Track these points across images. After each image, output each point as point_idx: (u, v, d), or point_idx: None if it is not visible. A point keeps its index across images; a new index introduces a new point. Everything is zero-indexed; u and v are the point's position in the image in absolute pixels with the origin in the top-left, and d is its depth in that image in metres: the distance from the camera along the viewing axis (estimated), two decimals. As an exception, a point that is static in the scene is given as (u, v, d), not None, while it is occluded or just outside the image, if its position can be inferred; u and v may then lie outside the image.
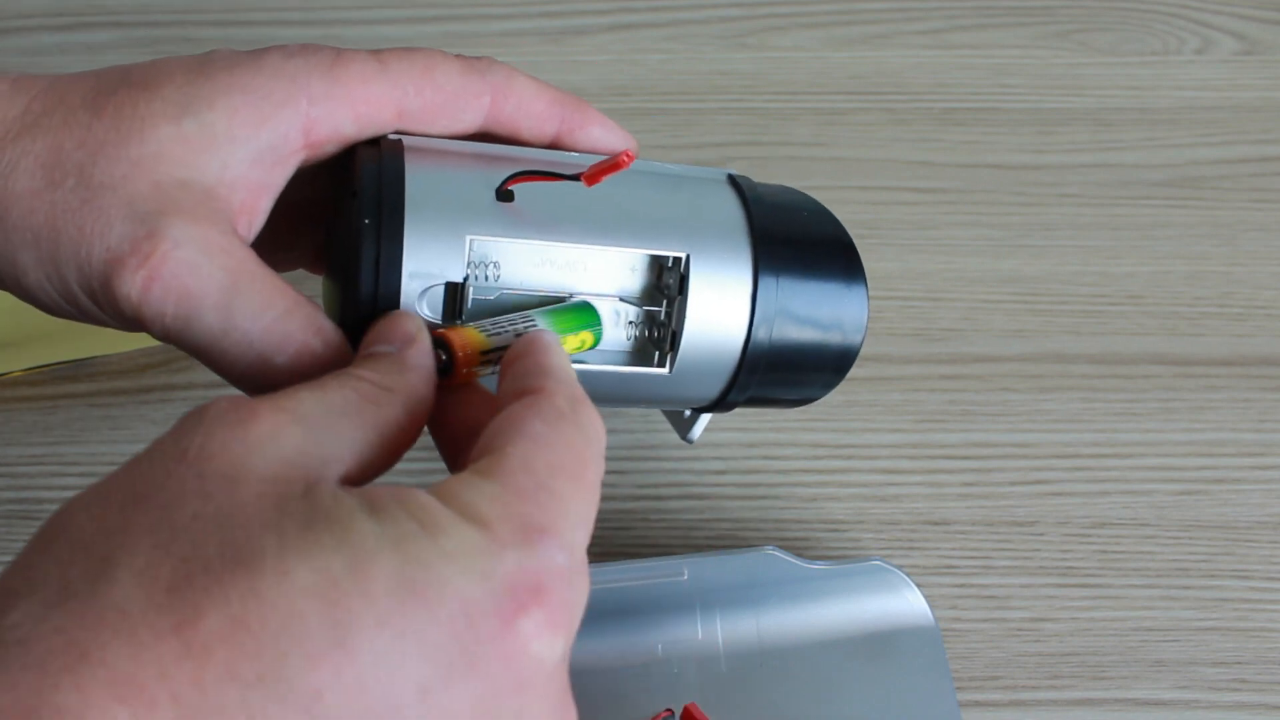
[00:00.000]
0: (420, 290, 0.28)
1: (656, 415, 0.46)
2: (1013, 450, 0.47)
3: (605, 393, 0.32)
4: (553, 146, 0.33)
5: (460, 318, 0.29)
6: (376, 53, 0.30)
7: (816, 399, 0.36)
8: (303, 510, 0.21)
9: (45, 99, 0.28)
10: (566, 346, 0.31)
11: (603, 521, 0.44)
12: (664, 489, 0.45)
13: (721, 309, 0.31)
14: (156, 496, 0.21)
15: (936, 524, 0.45)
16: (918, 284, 0.51)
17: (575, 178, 0.29)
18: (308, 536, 0.20)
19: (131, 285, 0.26)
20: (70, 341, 0.48)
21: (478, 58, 0.31)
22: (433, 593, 0.20)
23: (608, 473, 0.45)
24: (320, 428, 0.24)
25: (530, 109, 0.32)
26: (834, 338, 0.33)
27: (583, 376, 0.30)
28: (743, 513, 0.45)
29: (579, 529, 0.24)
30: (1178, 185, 0.54)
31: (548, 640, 0.21)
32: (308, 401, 0.24)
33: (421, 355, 0.27)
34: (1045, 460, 0.46)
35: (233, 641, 0.19)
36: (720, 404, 0.34)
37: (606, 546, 0.43)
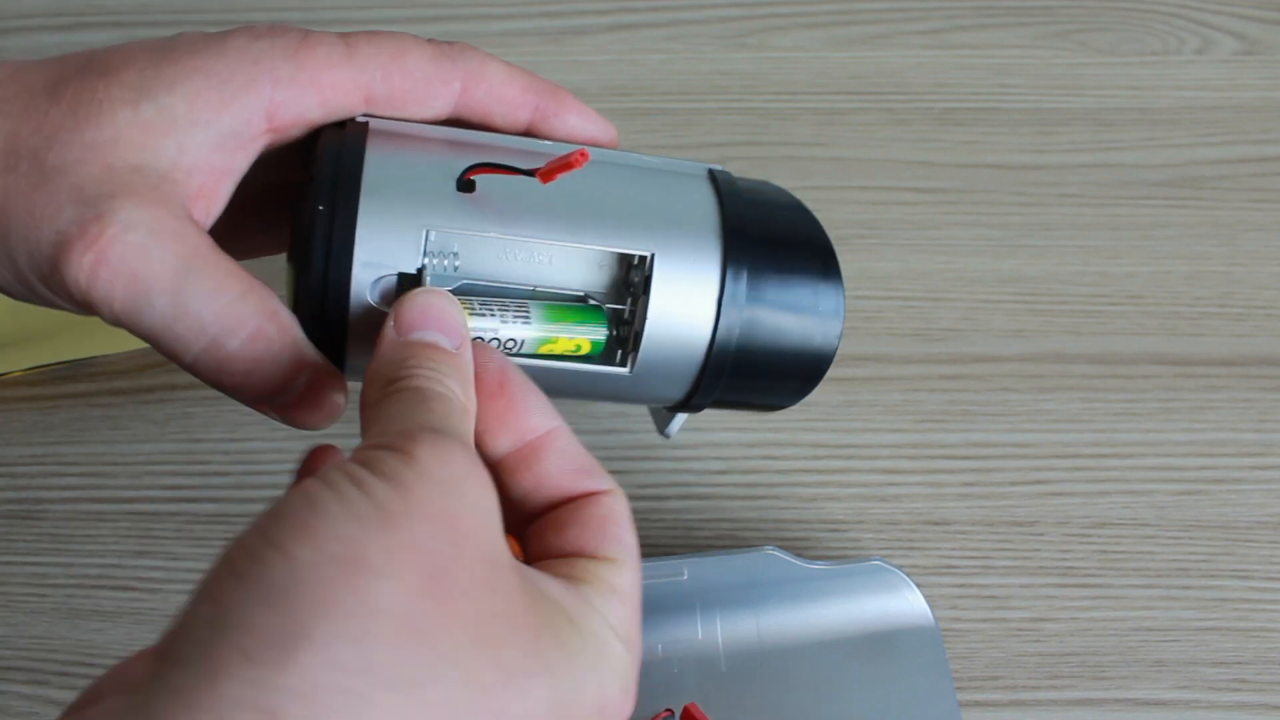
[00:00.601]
0: (373, 279, 0.28)
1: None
2: (1013, 450, 0.47)
3: (566, 387, 0.31)
4: (527, 134, 0.32)
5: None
6: (344, 36, 0.29)
7: (787, 406, 0.34)
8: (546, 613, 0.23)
9: (6, 85, 0.27)
10: (558, 347, 0.30)
11: (603, 521, 0.44)
12: (664, 489, 0.45)
13: (685, 311, 0.30)
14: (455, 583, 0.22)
15: (936, 524, 0.45)
16: (918, 284, 0.51)
17: (530, 173, 0.28)
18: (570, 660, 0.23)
19: (79, 269, 0.26)
20: (70, 341, 0.48)
21: (450, 43, 0.31)
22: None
23: (609, 473, 0.45)
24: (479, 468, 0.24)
25: (503, 95, 0.31)
26: (806, 345, 0.32)
27: (541, 371, 0.30)
28: (743, 513, 0.45)
29: None
30: (1178, 185, 0.54)
31: None
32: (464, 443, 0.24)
33: (469, 358, 0.26)
34: (1045, 460, 0.46)
35: None
36: (686, 405, 0.33)
37: (606, 546, 0.43)
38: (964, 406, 0.48)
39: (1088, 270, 0.52)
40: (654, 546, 0.44)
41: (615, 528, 0.26)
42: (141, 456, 0.45)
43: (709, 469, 0.46)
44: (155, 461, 0.45)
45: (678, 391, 0.32)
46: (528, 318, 0.30)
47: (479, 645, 0.21)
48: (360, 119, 0.29)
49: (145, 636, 0.42)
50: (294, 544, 0.20)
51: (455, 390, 0.25)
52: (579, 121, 0.32)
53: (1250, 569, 0.44)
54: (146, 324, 0.27)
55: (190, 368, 0.28)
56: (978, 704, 0.41)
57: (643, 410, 0.47)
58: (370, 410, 0.24)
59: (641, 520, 0.44)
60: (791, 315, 0.31)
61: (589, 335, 0.30)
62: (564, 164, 0.27)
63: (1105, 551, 0.44)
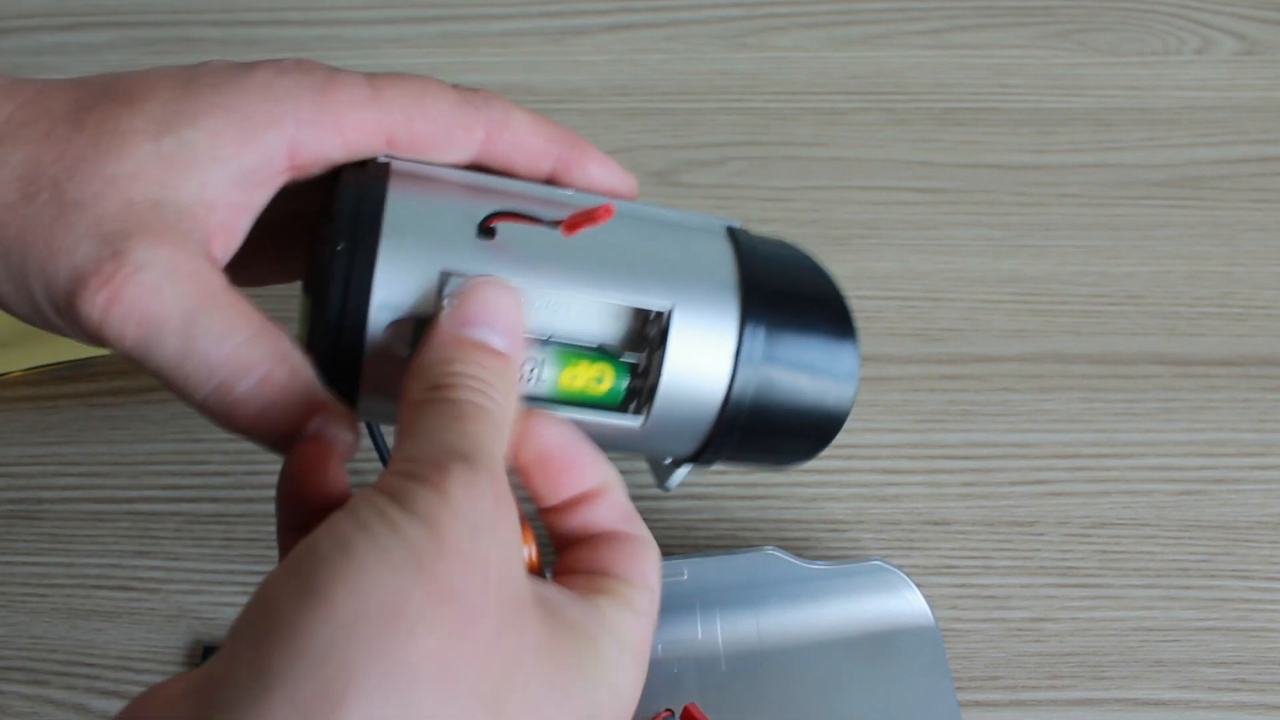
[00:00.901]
0: (388, 321, 0.27)
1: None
2: (1013, 450, 0.47)
3: None
4: (549, 182, 0.32)
5: None
6: (370, 77, 0.29)
7: (797, 465, 0.34)
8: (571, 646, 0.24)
9: (30, 108, 0.27)
10: (579, 378, 0.30)
11: (603, 521, 0.44)
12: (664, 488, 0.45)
13: (701, 366, 0.30)
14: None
15: (936, 524, 0.45)
16: (918, 284, 0.51)
17: (555, 225, 0.28)
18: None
19: (93, 306, 0.26)
20: (70, 342, 0.47)
21: (475, 89, 0.31)
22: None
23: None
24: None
25: (527, 145, 0.31)
26: (820, 405, 0.32)
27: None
28: (743, 513, 0.45)
29: None
30: (1178, 185, 0.54)
31: None
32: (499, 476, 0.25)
33: (520, 360, 0.27)
34: (1045, 460, 0.46)
35: None
36: (695, 460, 0.33)
37: (606, 546, 0.43)
38: (964, 406, 0.48)
39: (1088, 270, 0.52)
40: (654, 546, 0.44)
41: (643, 563, 0.27)
42: (141, 456, 0.45)
43: (709, 469, 0.46)
44: (155, 461, 0.45)
45: (689, 447, 0.32)
46: (545, 359, 0.30)
47: (508, 686, 0.21)
48: (382, 159, 0.29)
49: (145, 636, 0.42)
50: (334, 597, 0.20)
51: (498, 402, 0.25)
52: (600, 172, 0.32)
53: (1250, 569, 0.44)
54: (156, 363, 0.27)
55: (200, 409, 0.28)
56: (978, 704, 0.41)
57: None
58: (409, 412, 0.25)
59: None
60: (806, 375, 0.31)
61: (611, 369, 0.30)
62: (588, 217, 0.27)
63: (1105, 551, 0.44)
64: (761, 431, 0.31)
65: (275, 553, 0.44)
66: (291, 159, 0.28)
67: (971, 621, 0.43)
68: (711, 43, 0.59)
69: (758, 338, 0.30)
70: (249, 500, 0.45)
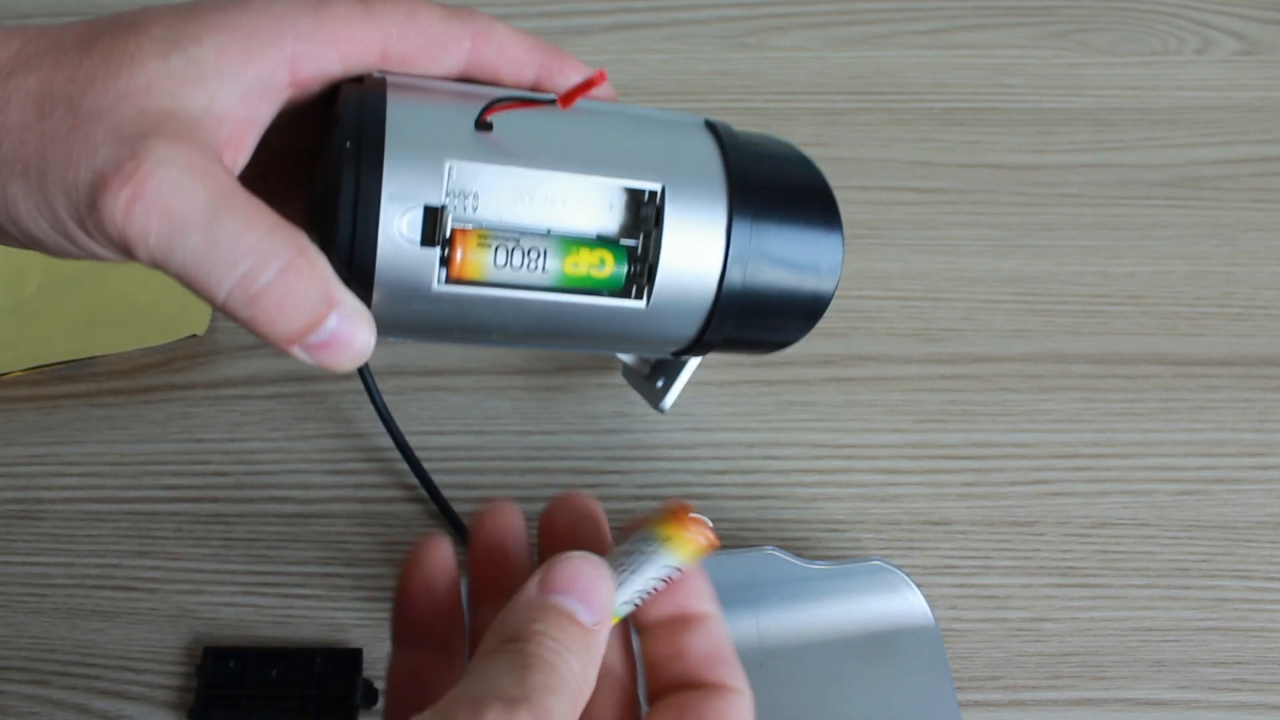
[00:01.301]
0: (400, 212, 0.29)
1: (657, 416, 0.46)
2: (1013, 450, 0.47)
3: (582, 331, 0.32)
4: (533, 89, 0.33)
5: (437, 242, 0.29)
6: None
7: (791, 343, 0.35)
8: None
9: (39, 41, 0.29)
10: (582, 263, 0.31)
11: (603, 521, 0.44)
12: (664, 489, 0.45)
13: (697, 243, 0.31)
14: None
15: (936, 524, 0.45)
16: (918, 284, 0.51)
17: (551, 101, 0.30)
18: None
19: (115, 205, 0.27)
20: (70, 341, 0.48)
21: (459, 6, 0.32)
22: None
23: (608, 473, 0.45)
24: None
25: (510, 54, 0.32)
26: (809, 281, 0.33)
27: (559, 309, 0.31)
28: (743, 513, 0.45)
29: None
30: (1178, 185, 0.54)
31: None
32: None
33: (605, 637, 0.27)
34: (1045, 460, 0.46)
35: None
36: (697, 345, 0.34)
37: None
38: (964, 406, 0.48)
39: (1088, 270, 0.52)
40: (654, 546, 0.44)
41: None
42: (141, 456, 0.45)
43: (709, 469, 0.46)
44: (155, 461, 0.45)
45: (690, 328, 0.33)
46: (548, 249, 0.31)
47: None
48: (377, 74, 0.31)
49: (145, 636, 0.42)
50: None
51: (573, 667, 0.25)
52: (581, 78, 0.33)
53: (1250, 569, 0.44)
54: (179, 260, 0.27)
55: (224, 306, 0.28)
56: (978, 704, 0.41)
57: (643, 410, 0.47)
58: (477, 658, 0.25)
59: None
60: (795, 250, 0.33)
61: (611, 255, 0.31)
62: (585, 86, 0.29)
63: (1105, 551, 0.44)
64: (755, 309, 0.33)
65: (275, 553, 0.44)
66: (292, 74, 0.30)
67: (971, 621, 0.43)
68: (711, 43, 0.59)
69: (746, 212, 0.32)
70: (249, 500, 0.45)
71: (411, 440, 0.44)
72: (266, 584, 0.43)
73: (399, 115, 0.29)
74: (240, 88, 0.29)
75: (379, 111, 0.29)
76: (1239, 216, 0.53)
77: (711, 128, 0.34)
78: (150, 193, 0.27)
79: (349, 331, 0.29)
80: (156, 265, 0.28)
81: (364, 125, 0.29)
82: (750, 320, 0.33)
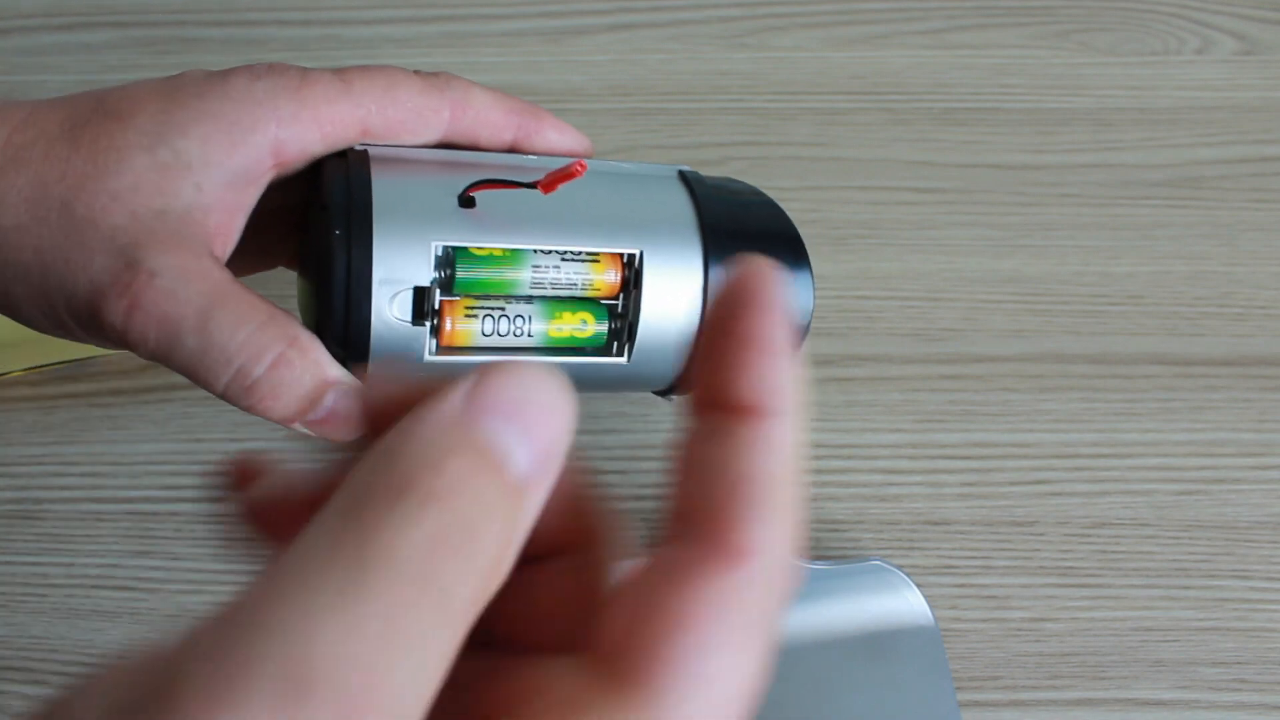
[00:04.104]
0: (390, 296, 0.30)
1: (657, 416, 0.46)
2: (1013, 450, 0.47)
3: (571, 382, 0.32)
4: (510, 151, 0.34)
5: (426, 318, 0.30)
6: (340, 72, 0.31)
7: None
8: None
9: (25, 130, 0.29)
10: (564, 327, 0.32)
11: (603, 521, 0.44)
12: (664, 489, 0.45)
13: (675, 299, 0.33)
14: None
15: (936, 524, 0.45)
16: (918, 284, 0.51)
17: (533, 185, 0.30)
18: None
19: (115, 314, 0.28)
20: (70, 342, 0.48)
21: (436, 73, 0.33)
22: None
23: (608, 473, 0.45)
24: None
25: (488, 119, 0.33)
26: None
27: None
28: (743, 513, 0.45)
29: None
30: (1178, 185, 0.54)
31: None
32: None
33: (541, 500, 0.18)
34: (1045, 460, 0.46)
35: None
36: (680, 388, 0.35)
37: (606, 546, 0.43)
38: (964, 406, 0.48)
39: (1088, 270, 0.52)
40: (655, 547, 0.44)
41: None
42: (141, 456, 0.45)
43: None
44: (155, 461, 0.45)
45: (672, 374, 0.35)
46: (532, 314, 0.32)
47: None
48: (359, 148, 0.32)
49: (145, 636, 0.42)
50: None
51: (491, 541, 0.16)
52: (558, 137, 0.35)
53: (1250, 569, 0.44)
54: (179, 359, 0.29)
55: (222, 395, 0.30)
56: (978, 704, 0.41)
57: (643, 410, 0.47)
58: (348, 502, 0.15)
59: (642, 520, 0.44)
60: None
61: (592, 315, 0.33)
62: (565, 175, 0.30)
63: (1105, 551, 0.44)
64: None
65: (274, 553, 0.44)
66: (276, 156, 0.30)
67: (971, 621, 0.43)
68: (711, 43, 0.59)
69: (721, 265, 0.33)
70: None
71: (411, 440, 0.44)
72: (266, 584, 0.43)
73: (384, 196, 0.30)
74: (226, 176, 0.30)
75: (365, 194, 0.30)
76: (1239, 216, 0.53)
77: (684, 179, 0.35)
78: (147, 302, 0.28)
79: (345, 406, 0.31)
80: (157, 361, 0.29)
81: (351, 211, 0.30)
82: None
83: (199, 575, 0.43)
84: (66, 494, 0.45)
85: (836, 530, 0.44)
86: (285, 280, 0.36)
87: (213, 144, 0.29)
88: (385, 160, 0.31)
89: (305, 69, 0.31)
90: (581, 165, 0.29)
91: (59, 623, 0.42)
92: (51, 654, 0.41)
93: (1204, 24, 0.60)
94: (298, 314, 0.32)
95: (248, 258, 0.32)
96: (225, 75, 0.30)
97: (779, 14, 0.60)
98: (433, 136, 0.33)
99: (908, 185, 0.54)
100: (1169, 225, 0.53)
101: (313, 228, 0.31)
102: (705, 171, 0.55)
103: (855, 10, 0.60)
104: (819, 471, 0.46)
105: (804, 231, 0.52)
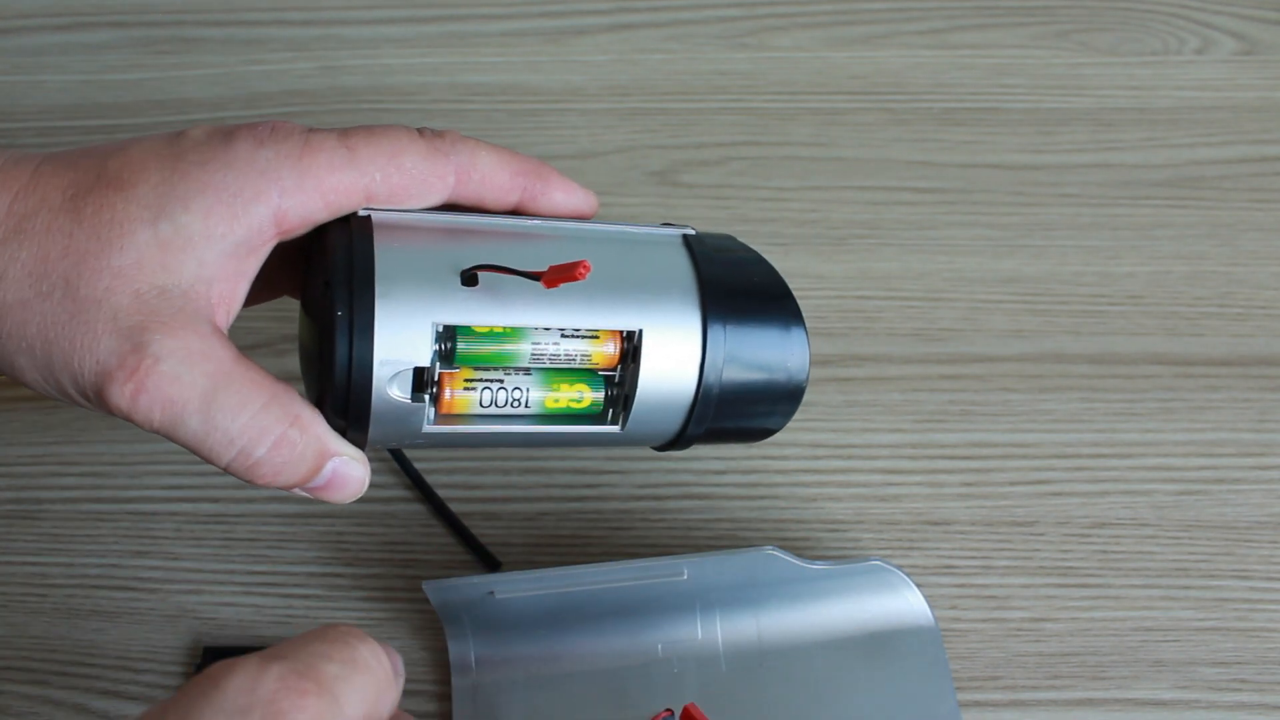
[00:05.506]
0: (391, 374, 0.30)
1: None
2: (1013, 450, 0.47)
3: (563, 445, 0.35)
4: (516, 211, 0.34)
5: (426, 392, 0.31)
6: (344, 136, 0.31)
7: (775, 430, 0.37)
8: None
9: (28, 198, 0.29)
10: (560, 402, 0.33)
11: (603, 521, 0.44)
12: (664, 489, 0.45)
13: (672, 369, 0.33)
14: None
15: (936, 524, 0.45)
16: (918, 284, 0.51)
17: (535, 278, 0.30)
18: None
19: (121, 396, 0.29)
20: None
21: (442, 134, 0.33)
22: None
23: (608, 473, 0.45)
24: None
25: (494, 182, 0.33)
26: (779, 378, 0.35)
27: (540, 436, 0.33)
28: (743, 513, 0.45)
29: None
30: (1178, 185, 0.54)
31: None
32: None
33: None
34: (1045, 460, 0.46)
35: None
36: (675, 445, 0.36)
37: (606, 546, 0.43)
38: (964, 406, 0.48)
39: (1088, 270, 0.52)
40: (654, 547, 0.44)
41: None
42: (141, 456, 0.45)
43: (709, 469, 0.46)
44: (155, 461, 0.45)
45: (663, 440, 0.36)
46: (530, 386, 0.33)
47: None
48: (362, 213, 0.32)
49: (145, 636, 0.42)
50: None
51: None
52: (563, 198, 0.35)
53: (1250, 569, 0.44)
54: (183, 439, 0.30)
55: (225, 471, 0.31)
56: (978, 704, 0.41)
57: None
58: None
59: (641, 520, 0.44)
60: (763, 367, 0.35)
61: (588, 386, 0.33)
62: (568, 275, 0.30)
63: (1105, 551, 0.44)
64: (727, 420, 0.35)
65: (275, 552, 0.44)
66: (278, 225, 0.30)
67: (971, 621, 0.43)
68: (711, 43, 0.59)
69: (719, 339, 0.33)
70: (249, 500, 0.45)
71: (411, 440, 0.45)
72: (266, 584, 0.43)
73: (388, 268, 0.30)
74: (228, 248, 0.30)
75: (367, 269, 0.30)
76: (1239, 216, 0.53)
77: (687, 245, 0.35)
78: (152, 386, 0.29)
79: (345, 473, 0.32)
80: (163, 437, 0.30)
81: (354, 289, 0.30)
82: (720, 431, 0.35)
83: (199, 575, 0.43)
84: (66, 494, 0.45)
85: (836, 530, 0.45)
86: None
87: (215, 217, 0.29)
88: (389, 227, 0.31)
89: (309, 132, 0.31)
90: (586, 267, 0.29)
91: (59, 623, 0.42)
92: (51, 654, 0.41)
93: (1204, 24, 0.60)
94: (298, 333, 0.32)
95: (251, 291, 0.32)
96: (228, 139, 0.30)
97: (779, 14, 0.60)
98: (437, 200, 0.33)
99: (908, 185, 0.54)
100: (1169, 225, 0.53)
101: (316, 289, 0.31)
102: (705, 171, 0.55)
103: (855, 10, 0.60)
104: (819, 471, 0.46)
105: (804, 231, 0.52)
